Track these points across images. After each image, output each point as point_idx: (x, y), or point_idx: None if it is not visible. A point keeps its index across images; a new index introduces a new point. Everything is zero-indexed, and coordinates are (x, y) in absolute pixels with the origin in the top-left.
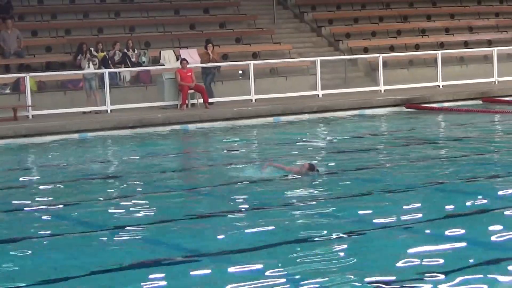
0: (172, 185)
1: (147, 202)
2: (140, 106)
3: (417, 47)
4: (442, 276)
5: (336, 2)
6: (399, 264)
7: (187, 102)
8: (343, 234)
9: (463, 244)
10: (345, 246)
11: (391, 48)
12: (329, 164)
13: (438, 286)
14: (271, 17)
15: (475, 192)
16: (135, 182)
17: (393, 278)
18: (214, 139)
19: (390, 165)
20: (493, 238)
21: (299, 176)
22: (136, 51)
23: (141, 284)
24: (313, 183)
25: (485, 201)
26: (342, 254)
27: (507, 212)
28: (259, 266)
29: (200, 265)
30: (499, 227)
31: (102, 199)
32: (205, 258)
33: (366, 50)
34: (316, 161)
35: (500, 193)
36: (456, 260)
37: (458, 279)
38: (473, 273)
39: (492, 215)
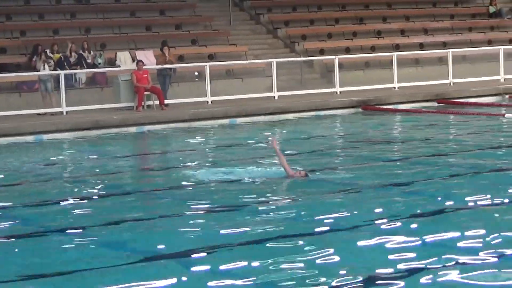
0: (127, 187)
1: (101, 203)
2: (96, 108)
3: (372, 48)
4: (399, 276)
5: (292, 4)
6: (361, 264)
7: (143, 104)
8: (304, 235)
9: (420, 244)
10: (307, 248)
11: (347, 50)
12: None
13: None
14: (227, 19)
15: (431, 192)
16: (90, 184)
17: (354, 277)
18: (170, 140)
19: (347, 166)
20: (448, 238)
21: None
22: (92, 53)
23: (97, 286)
24: (274, 184)
25: (441, 201)
26: (302, 255)
27: (463, 212)
28: (217, 267)
29: (155, 266)
30: (455, 227)
31: (56, 200)
32: (161, 259)
33: (322, 52)
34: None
35: (456, 193)
36: (413, 260)
37: (414, 280)
38: (429, 274)
39: (449, 215)
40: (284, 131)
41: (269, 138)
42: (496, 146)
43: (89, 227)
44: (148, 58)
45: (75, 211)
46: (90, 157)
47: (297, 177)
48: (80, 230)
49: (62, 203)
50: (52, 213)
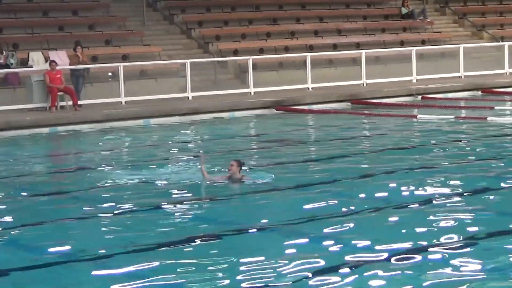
0: (39, 188)
1: (13, 205)
2: (8, 108)
3: (286, 49)
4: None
5: (205, 5)
6: (274, 265)
7: (56, 104)
8: (213, 236)
9: (333, 244)
10: (216, 250)
11: (261, 51)
12: (206, 165)
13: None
14: (141, 19)
15: (343, 193)
16: (1, 185)
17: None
18: (83, 141)
19: (261, 166)
20: (361, 239)
21: (226, 182)
22: (4, 53)
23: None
24: (188, 186)
25: (353, 201)
26: (211, 256)
27: (373, 213)
28: (130, 269)
29: (68, 269)
30: (366, 229)
31: None
32: (74, 262)
33: (236, 52)
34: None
35: (367, 194)
36: (326, 260)
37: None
38: (335, 275)
39: (360, 216)
40: (199, 132)
41: (200, 152)
42: (408, 146)
43: None
44: (61, 58)
45: None
46: (1, 158)
47: (232, 177)
48: None
49: None
50: None
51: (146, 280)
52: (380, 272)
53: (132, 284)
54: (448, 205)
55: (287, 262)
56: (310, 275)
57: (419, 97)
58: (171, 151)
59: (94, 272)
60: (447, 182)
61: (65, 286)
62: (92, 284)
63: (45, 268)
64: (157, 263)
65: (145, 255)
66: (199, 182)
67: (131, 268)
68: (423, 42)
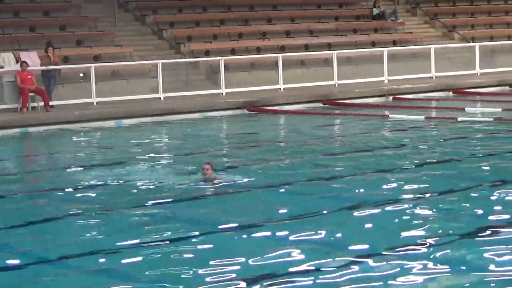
0: (11, 188)
1: None
2: None
3: (258, 50)
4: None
5: (177, 5)
6: (251, 264)
7: (27, 105)
8: (187, 235)
9: (305, 245)
10: (187, 250)
11: (233, 51)
12: (175, 166)
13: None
14: (112, 20)
15: (315, 193)
16: None
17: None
18: (55, 142)
19: (233, 167)
20: (332, 238)
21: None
22: None
23: None
24: (160, 185)
25: (325, 201)
26: (182, 256)
27: (343, 212)
28: (106, 267)
29: (41, 270)
30: (337, 228)
31: None
32: (46, 263)
33: (207, 53)
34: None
35: (339, 194)
36: (301, 261)
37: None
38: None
39: (330, 216)
40: (171, 133)
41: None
42: (379, 146)
43: None
44: (33, 59)
45: None
46: None
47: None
48: None
49: None
50: None
51: (117, 280)
52: (346, 272)
53: (103, 284)
54: (414, 205)
55: (257, 261)
56: (276, 274)
57: (391, 97)
58: (143, 151)
59: (63, 273)
60: (416, 182)
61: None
62: (62, 284)
63: (18, 270)
64: (127, 264)
65: (115, 256)
66: (171, 183)
67: (103, 268)
68: (394, 43)
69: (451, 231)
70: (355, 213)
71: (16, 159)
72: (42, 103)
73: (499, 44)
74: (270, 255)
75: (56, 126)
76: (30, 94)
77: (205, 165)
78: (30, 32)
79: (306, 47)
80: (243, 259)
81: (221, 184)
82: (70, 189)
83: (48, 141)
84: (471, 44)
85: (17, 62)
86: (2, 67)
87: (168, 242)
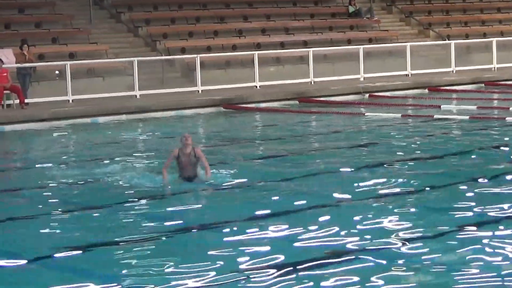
0: None
1: None
2: None
3: (234, 47)
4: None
5: (152, 3)
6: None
7: (2, 103)
8: (160, 234)
9: (281, 242)
10: (162, 249)
11: (208, 49)
12: (151, 164)
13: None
14: (88, 17)
15: (291, 190)
16: None
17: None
18: (30, 140)
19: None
20: (312, 235)
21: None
22: None
23: None
24: (135, 184)
25: (301, 198)
26: (157, 255)
27: (324, 209)
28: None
29: (11, 268)
30: (317, 225)
31: None
32: (19, 261)
33: (183, 51)
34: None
35: (315, 190)
36: (272, 258)
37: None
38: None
39: (310, 213)
40: (146, 130)
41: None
42: (355, 144)
43: None
44: (7, 56)
45: None
46: None
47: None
48: None
49: None
50: None
51: (91, 279)
52: (331, 271)
53: (79, 283)
54: (392, 202)
55: (230, 259)
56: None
57: (367, 95)
58: (118, 149)
59: (39, 271)
60: (392, 179)
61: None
62: (37, 284)
63: None
64: (104, 262)
65: (91, 254)
66: (146, 180)
67: (79, 266)
68: (370, 41)
69: (426, 228)
70: (329, 211)
71: None
72: (17, 101)
73: (474, 42)
74: (247, 251)
75: (31, 124)
76: (5, 91)
77: (186, 135)
78: (5, 30)
79: (282, 45)
80: (223, 256)
81: (198, 155)
82: (45, 187)
83: (23, 139)
84: (447, 42)
85: None
86: None
87: (144, 240)
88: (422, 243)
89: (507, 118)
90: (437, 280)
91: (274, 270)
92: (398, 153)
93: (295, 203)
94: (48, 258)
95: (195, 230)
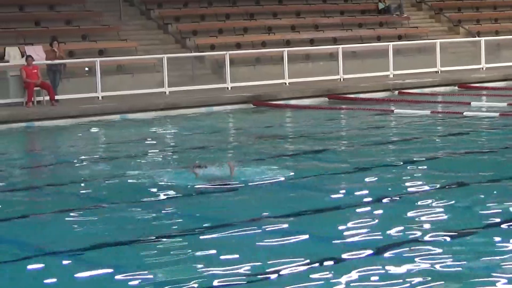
0: (17, 182)
1: None
2: None
3: (263, 44)
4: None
5: (182, 0)
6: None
7: (32, 100)
8: (191, 232)
9: (306, 239)
10: (195, 246)
11: (238, 46)
12: (182, 161)
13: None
14: (117, 14)
15: (322, 189)
16: None
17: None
18: (60, 136)
19: (239, 162)
20: (339, 234)
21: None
22: None
23: None
24: (165, 179)
25: (326, 197)
26: (190, 251)
27: (358, 209)
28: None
29: (46, 262)
30: (346, 224)
31: None
32: (52, 256)
33: (213, 48)
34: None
35: (346, 189)
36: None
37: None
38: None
39: (339, 212)
40: (175, 127)
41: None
42: (384, 141)
43: None
44: (38, 53)
45: None
46: None
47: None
48: None
49: None
50: None
51: (122, 275)
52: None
53: (108, 279)
54: (423, 200)
55: (264, 256)
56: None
57: (396, 92)
58: (147, 146)
59: (68, 267)
60: (422, 177)
61: (42, 281)
62: (66, 279)
63: (20, 262)
64: (135, 258)
65: (122, 250)
66: (175, 177)
67: (109, 263)
68: (399, 37)
69: (461, 226)
70: (358, 209)
71: (21, 154)
72: (47, 98)
73: (505, 39)
74: (277, 250)
75: (61, 121)
76: (36, 88)
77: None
78: (36, 26)
79: (312, 42)
80: (252, 255)
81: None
82: (75, 183)
83: (53, 136)
84: (477, 38)
85: (22, 56)
86: (8, 62)
87: (172, 237)
88: (465, 238)
89: None
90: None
91: (306, 267)
92: (427, 150)
93: (328, 199)
94: (78, 254)
95: (227, 227)
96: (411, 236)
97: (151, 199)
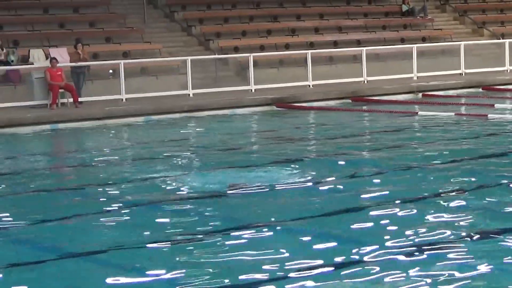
0: (39, 184)
1: (15, 202)
2: (9, 106)
3: (287, 46)
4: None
5: (206, 2)
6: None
7: (57, 102)
8: (214, 232)
9: (331, 242)
10: (216, 246)
11: (262, 48)
12: (207, 163)
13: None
14: (141, 16)
15: (347, 191)
16: (4, 182)
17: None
18: (85, 138)
19: (262, 164)
20: (361, 234)
21: None
22: (4, 50)
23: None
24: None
25: (351, 199)
26: (211, 252)
27: (375, 211)
28: (137, 265)
29: (73, 264)
30: (367, 224)
31: None
32: (76, 258)
33: (236, 50)
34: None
35: (370, 191)
36: (331, 258)
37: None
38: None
39: (361, 213)
40: (199, 129)
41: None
42: (409, 143)
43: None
44: (62, 55)
45: None
46: (3, 155)
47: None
48: None
49: None
50: None
51: (146, 276)
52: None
53: (133, 280)
54: (446, 203)
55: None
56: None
57: (420, 94)
58: (171, 147)
59: (94, 268)
60: (446, 179)
61: (71, 282)
62: (91, 280)
63: (41, 265)
64: (158, 260)
65: (145, 251)
66: (199, 178)
67: (134, 264)
68: (423, 40)
69: (489, 226)
70: (377, 212)
71: (46, 155)
72: (71, 100)
73: None
74: (301, 251)
75: (85, 123)
76: (60, 90)
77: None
78: (60, 29)
79: (335, 44)
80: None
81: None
82: (99, 185)
83: (77, 138)
84: (501, 40)
85: (46, 58)
86: (32, 64)
87: (196, 238)
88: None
89: None
90: None
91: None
92: (452, 152)
93: (350, 202)
94: (102, 254)
95: (251, 229)
96: (437, 237)
97: (173, 200)
